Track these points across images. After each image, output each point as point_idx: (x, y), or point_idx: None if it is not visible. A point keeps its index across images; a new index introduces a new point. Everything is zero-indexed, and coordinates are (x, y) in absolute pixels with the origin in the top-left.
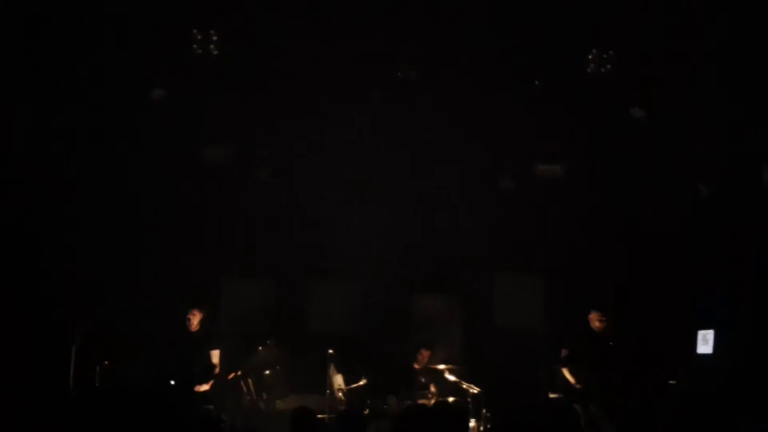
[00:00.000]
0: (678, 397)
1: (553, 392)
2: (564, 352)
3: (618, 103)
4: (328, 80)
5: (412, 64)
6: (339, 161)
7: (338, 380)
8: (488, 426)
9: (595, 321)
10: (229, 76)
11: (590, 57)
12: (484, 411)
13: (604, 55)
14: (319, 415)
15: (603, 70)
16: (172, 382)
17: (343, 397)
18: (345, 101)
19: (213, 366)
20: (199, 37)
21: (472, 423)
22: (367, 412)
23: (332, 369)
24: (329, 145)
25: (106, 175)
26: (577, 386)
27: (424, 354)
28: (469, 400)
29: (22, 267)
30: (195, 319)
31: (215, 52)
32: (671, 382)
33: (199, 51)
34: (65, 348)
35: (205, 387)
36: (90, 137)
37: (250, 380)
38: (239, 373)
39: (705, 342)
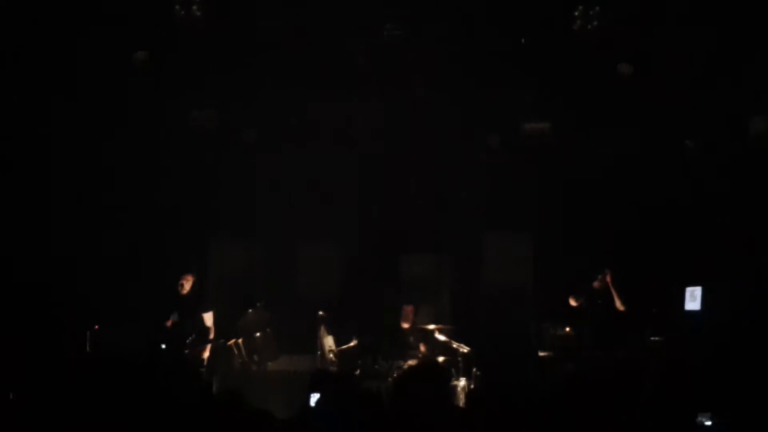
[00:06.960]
0: (663, 353)
1: (543, 350)
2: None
3: (605, 60)
4: (311, 43)
5: (397, 25)
6: (326, 124)
7: (329, 342)
8: (479, 385)
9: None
10: (212, 37)
11: (576, 13)
12: (474, 370)
13: (591, 12)
14: None
15: (589, 26)
16: (163, 346)
17: (334, 359)
18: (330, 64)
19: (207, 329)
20: None
21: (463, 382)
22: (358, 372)
23: (323, 330)
24: (315, 107)
25: (90, 141)
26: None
27: (408, 310)
28: (459, 359)
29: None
30: (188, 284)
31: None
32: (657, 338)
33: (182, 12)
34: (55, 315)
35: (205, 352)
36: (69, 102)
37: (240, 343)
38: (240, 340)
39: (693, 299)
